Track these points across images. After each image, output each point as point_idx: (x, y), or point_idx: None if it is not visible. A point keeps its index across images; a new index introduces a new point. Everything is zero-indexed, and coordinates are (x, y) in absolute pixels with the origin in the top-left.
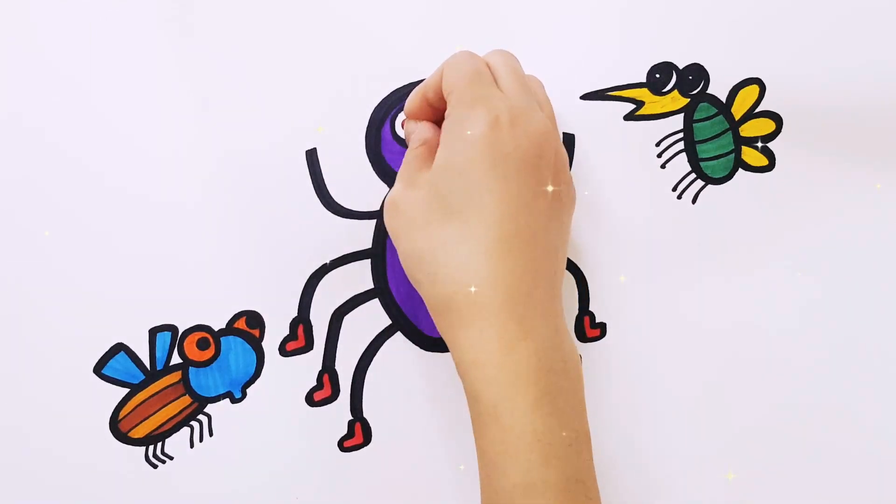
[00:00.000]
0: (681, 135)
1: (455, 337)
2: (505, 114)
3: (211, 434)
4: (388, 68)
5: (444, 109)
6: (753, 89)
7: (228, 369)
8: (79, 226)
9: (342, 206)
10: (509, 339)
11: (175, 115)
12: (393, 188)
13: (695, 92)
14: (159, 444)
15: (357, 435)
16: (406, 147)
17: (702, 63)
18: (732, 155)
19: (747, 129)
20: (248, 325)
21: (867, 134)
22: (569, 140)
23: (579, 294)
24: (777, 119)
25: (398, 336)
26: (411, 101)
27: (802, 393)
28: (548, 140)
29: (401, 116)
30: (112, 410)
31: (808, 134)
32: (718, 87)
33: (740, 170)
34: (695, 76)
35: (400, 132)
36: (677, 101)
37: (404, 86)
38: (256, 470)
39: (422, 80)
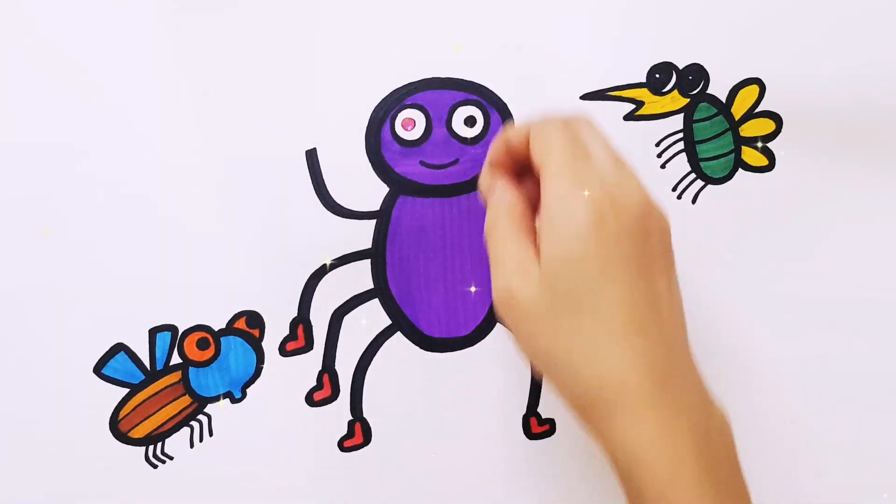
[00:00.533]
0: (681, 135)
1: (607, 430)
2: (606, 201)
3: (211, 434)
4: (388, 68)
5: (523, 162)
6: (753, 89)
7: (228, 369)
8: (79, 226)
9: (342, 207)
10: (665, 421)
11: (175, 115)
12: (498, 277)
13: (695, 92)
14: (159, 444)
15: (357, 435)
16: (406, 147)
17: (702, 63)
18: (732, 155)
19: (747, 129)
20: (248, 325)
21: (867, 134)
22: None
23: None
24: (777, 119)
25: (398, 336)
26: (494, 147)
27: (802, 392)
28: (648, 210)
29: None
30: (112, 410)
31: (808, 134)
32: (718, 87)
33: (740, 170)
34: (695, 76)
35: (400, 132)
36: (677, 101)
37: (404, 85)
38: (256, 470)
39: (421, 80)
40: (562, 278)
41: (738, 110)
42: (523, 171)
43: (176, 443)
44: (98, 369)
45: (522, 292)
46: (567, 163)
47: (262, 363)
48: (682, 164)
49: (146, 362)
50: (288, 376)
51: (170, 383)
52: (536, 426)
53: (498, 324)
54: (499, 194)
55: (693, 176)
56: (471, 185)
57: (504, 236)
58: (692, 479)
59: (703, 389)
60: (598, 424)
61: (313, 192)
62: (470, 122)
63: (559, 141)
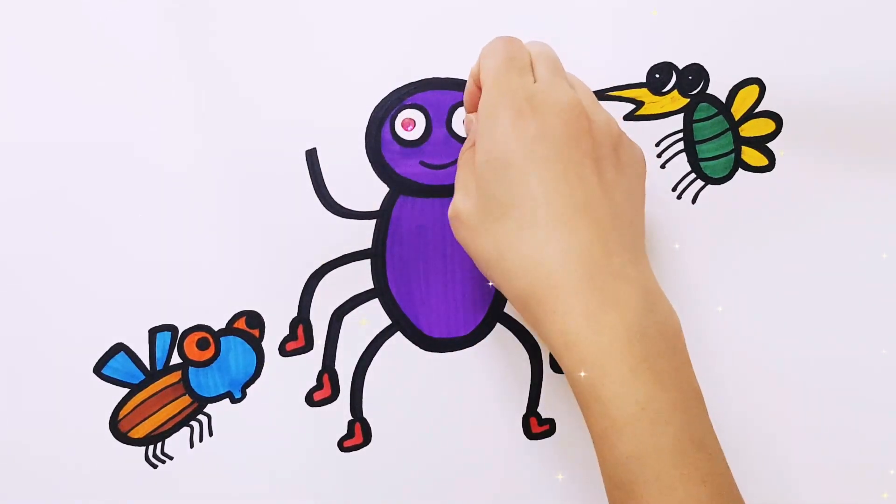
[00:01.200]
0: (681, 135)
1: (543, 326)
2: (526, 100)
3: (211, 434)
4: (388, 68)
5: None
6: (753, 89)
7: (228, 369)
8: (79, 226)
9: (342, 206)
10: (593, 313)
11: (175, 115)
12: (453, 198)
13: (695, 92)
14: (159, 444)
15: (357, 435)
16: (406, 147)
17: (702, 63)
18: (732, 155)
19: (747, 129)
20: (248, 325)
21: (867, 133)
22: None
23: None
24: (777, 119)
25: (398, 336)
26: (465, 94)
27: (803, 392)
28: (577, 111)
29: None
30: (112, 410)
31: (808, 134)
32: (718, 87)
33: (740, 170)
34: (695, 76)
35: (400, 132)
36: (677, 101)
37: (404, 85)
38: (256, 470)
39: (421, 80)
40: (490, 184)
41: (738, 110)
42: None
43: (176, 443)
44: (98, 369)
45: (465, 207)
46: (499, 75)
47: (262, 363)
48: (682, 164)
49: (146, 362)
50: (288, 376)
51: (170, 383)
52: (536, 426)
53: (498, 324)
54: (469, 129)
55: (693, 176)
56: None
57: (462, 163)
58: (623, 370)
59: (648, 287)
60: (536, 324)
61: (313, 192)
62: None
63: (496, 53)
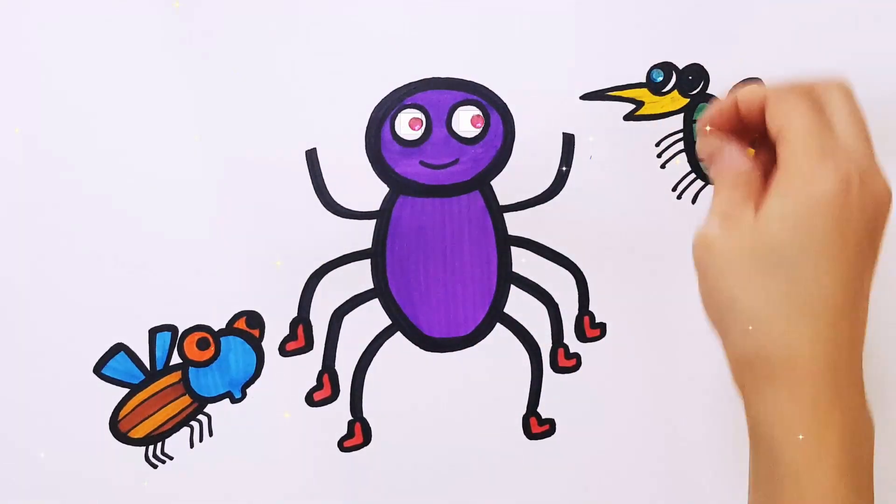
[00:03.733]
0: (681, 135)
1: (759, 393)
2: (855, 175)
3: (211, 434)
4: (388, 68)
5: (750, 130)
6: None
7: (228, 369)
8: (79, 226)
9: (342, 206)
10: (824, 409)
11: (175, 115)
12: (707, 222)
13: (695, 92)
14: (159, 444)
15: (357, 435)
16: (406, 147)
17: (702, 63)
18: None
19: None
20: (248, 325)
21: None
22: (568, 140)
23: (579, 294)
24: None
25: (398, 336)
26: (718, 109)
27: None
28: (886, 210)
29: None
30: (112, 410)
31: None
32: (718, 87)
33: None
34: (695, 76)
35: (400, 132)
36: (677, 101)
37: (404, 85)
38: (256, 470)
39: (421, 80)
40: (777, 234)
41: None
42: (744, 136)
43: (176, 443)
44: (98, 369)
45: (727, 240)
46: (812, 131)
47: (262, 363)
48: (682, 164)
49: (146, 362)
50: (288, 376)
51: (170, 383)
52: (536, 426)
53: (498, 324)
54: (731, 158)
55: (693, 176)
56: (471, 185)
57: (728, 192)
58: (833, 469)
59: (862, 393)
60: (752, 386)
61: (313, 192)
62: (471, 122)
63: (804, 105)
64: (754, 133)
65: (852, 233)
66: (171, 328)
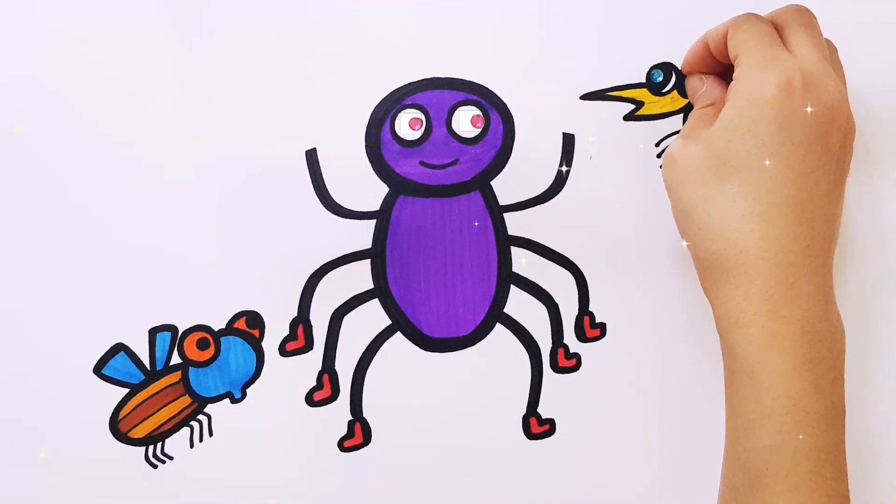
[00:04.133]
0: None
1: (719, 294)
2: (798, 77)
3: (211, 434)
4: (388, 68)
5: (724, 65)
6: None
7: (228, 369)
8: (79, 226)
9: (342, 206)
10: (776, 303)
11: (175, 115)
12: (673, 142)
13: None
14: (159, 444)
15: (357, 435)
16: (406, 147)
17: None
18: None
19: None
20: (248, 325)
21: (867, 134)
22: (568, 140)
23: (579, 294)
24: None
25: (398, 336)
26: (692, 54)
27: None
28: (840, 109)
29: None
30: (112, 410)
31: None
32: None
33: None
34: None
35: (400, 132)
36: (677, 101)
37: (404, 85)
38: (256, 470)
39: (421, 80)
40: (725, 141)
41: None
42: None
43: (176, 443)
44: (98, 369)
45: (686, 153)
46: (762, 45)
47: (262, 363)
48: None
49: (146, 362)
50: (288, 376)
51: (170, 383)
52: (536, 426)
53: (498, 324)
54: (707, 89)
55: None
56: (471, 185)
57: (695, 117)
58: (787, 364)
59: (829, 295)
60: (713, 288)
61: (313, 192)
62: (471, 122)
63: (755, 27)
64: (727, 65)
65: (800, 133)
66: (171, 328)
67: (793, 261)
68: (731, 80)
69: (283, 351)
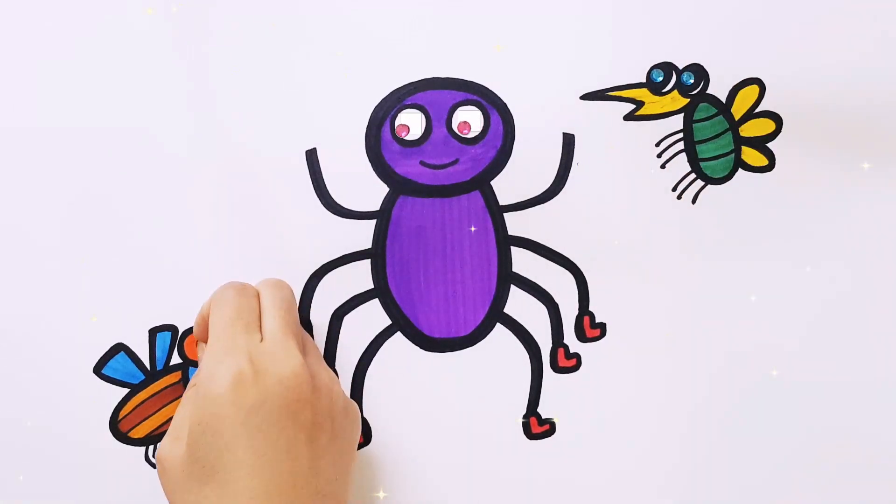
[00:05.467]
0: (681, 135)
1: None
2: (248, 366)
3: None
4: (388, 68)
5: None
6: (753, 89)
7: None
8: (79, 226)
9: (342, 207)
10: None
11: (174, 115)
12: (162, 440)
13: (695, 92)
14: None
15: None
16: (406, 147)
17: (702, 63)
18: (732, 155)
19: (747, 129)
20: None
21: (867, 134)
22: (569, 140)
23: (579, 294)
24: (777, 119)
25: (398, 336)
26: (196, 324)
27: (803, 393)
28: (300, 381)
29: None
30: (112, 410)
31: (808, 134)
32: (718, 87)
33: (740, 170)
34: (695, 76)
35: (400, 133)
36: (677, 101)
37: (404, 85)
38: None
39: (421, 80)
40: (199, 443)
41: (738, 110)
42: None
43: None
44: (98, 369)
45: (171, 456)
46: (224, 331)
47: None
48: (682, 164)
49: (146, 362)
50: None
51: (170, 383)
52: (536, 426)
53: (498, 324)
54: (200, 359)
55: (693, 176)
56: (471, 185)
57: (183, 402)
58: None
59: None
60: None
61: (313, 192)
62: (470, 122)
63: (226, 304)
64: None
65: (265, 421)
66: (171, 328)
67: None
68: None
69: None
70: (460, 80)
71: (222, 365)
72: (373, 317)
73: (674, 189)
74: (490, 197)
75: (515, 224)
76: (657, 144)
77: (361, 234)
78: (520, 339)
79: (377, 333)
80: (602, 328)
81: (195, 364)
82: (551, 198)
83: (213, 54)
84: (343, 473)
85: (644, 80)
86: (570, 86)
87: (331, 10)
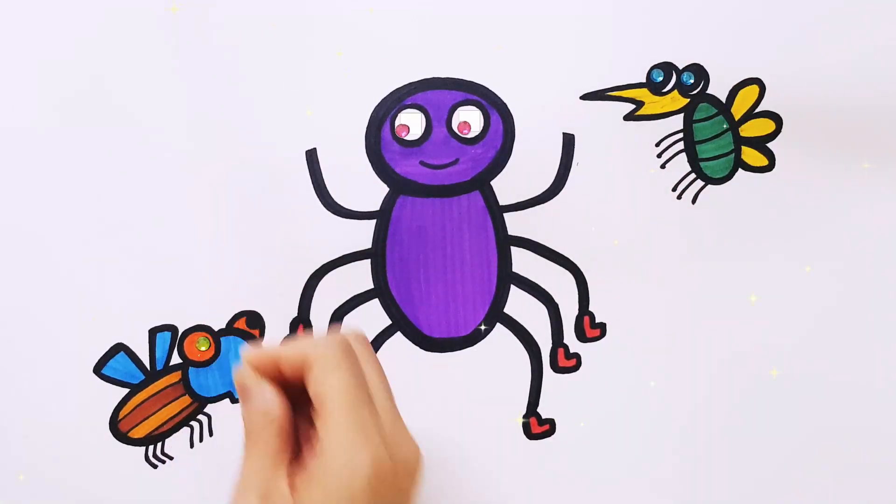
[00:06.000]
0: (681, 135)
1: None
2: (385, 459)
3: (211, 434)
4: (388, 68)
5: (291, 380)
6: (753, 89)
7: (228, 369)
8: (79, 226)
9: (342, 207)
10: None
11: (175, 115)
12: (240, 495)
13: (695, 92)
14: (159, 444)
15: None
16: (406, 147)
17: (702, 63)
18: (732, 155)
19: (747, 129)
20: (248, 325)
21: (867, 134)
22: (569, 140)
23: (579, 294)
24: (777, 119)
25: (398, 336)
26: (261, 353)
27: (803, 392)
28: (418, 465)
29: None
30: (112, 410)
31: (808, 134)
32: (718, 87)
33: (740, 170)
34: (695, 76)
35: (400, 133)
36: (677, 101)
37: (404, 85)
38: None
39: (421, 80)
40: None
41: (738, 110)
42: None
43: (176, 443)
44: (98, 369)
45: None
46: (351, 409)
47: None
48: (682, 164)
49: (146, 362)
50: None
51: (170, 383)
52: (536, 426)
53: (498, 324)
54: (266, 398)
55: (693, 176)
56: (471, 185)
57: (263, 452)
58: None
59: None
60: None
61: (313, 192)
62: (470, 122)
63: (343, 379)
64: (295, 389)
65: (390, 498)
66: (171, 328)
67: None
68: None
69: None
70: (460, 80)
71: (358, 453)
72: (373, 317)
73: (674, 189)
74: (490, 197)
75: (515, 224)
76: (657, 144)
77: (361, 234)
78: (520, 339)
79: (377, 333)
80: (602, 328)
81: (195, 364)
82: (551, 198)
83: (213, 54)
84: None
85: (644, 80)
86: (570, 86)
87: (331, 10)
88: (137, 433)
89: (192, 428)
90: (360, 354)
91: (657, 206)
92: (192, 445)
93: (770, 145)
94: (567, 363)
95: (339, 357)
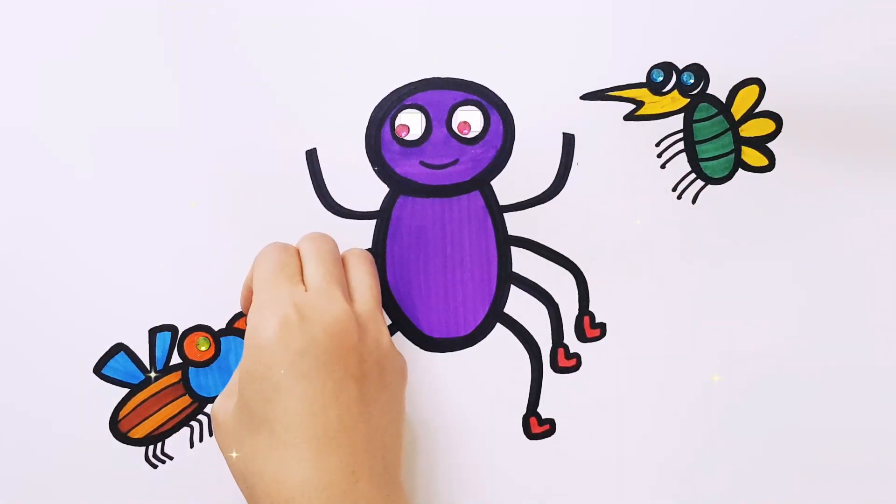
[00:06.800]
0: (681, 135)
1: None
2: (293, 312)
3: (211, 434)
4: (388, 68)
5: None
6: (753, 89)
7: (228, 369)
8: (78, 225)
9: (342, 207)
10: None
11: (175, 115)
12: (217, 398)
13: (695, 92)
14: (159, 444)
15: None
16: (406, 147)
17: (702, 63)
18: (732, 155)
19: (747, 129)
20: None
21: (867, 133)
22: (569, 140)
23: (579, 294)
24: (777, 119)
25: (398, 336)
26: (241, 300)
27: (802, 393)
28: (345, 326)
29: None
30: (112, 410)
31: (808, 134)
32: (718, 87)
33: (740, 170)
34: (695, 76)
35: (400, 133)
36: (677, 101)
37: (404, 85)
38: None
39: (421, 80)
40: (248, 393)
41: (738, 110)
42: None
43: (176, 443)
44: (98, 369)
45: (222, 410)
46: (267, 282)
47: None
48: (682, 164)
49: (146, 362)
50: None
51: (170, 383)
52: (536, 426)
53: (498, 324)
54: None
55: (693, 176)
56: (471, 185)
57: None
58: None
59: None
60: None
61: (313, 192)
62: (470, 122)
63: (270, 262)
64: None
65: (311, 366)
66: (171, 328)
67: (340, 495)
68: None
69: None
70: (460, 80)
71: (266, 312)
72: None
73: (674, 189)
74: (490, 197)
75: (515, 224)
76: (657, 144)
77: (361, 234)
78: (520, 339)
79: None
80: (602, 328)
81: (195, 364)
82: (551, 198)
83: (213, 54)
84: (394, 424)
85: (644, 80)
86: (570, 86)
87: (331, 10)
88: (137, 433)
89: (192, 428)
90: (304, 244)
91: (657, 206)
92: (192, 445)
93: (770, 145)
94: (567, 363)
95: (264, 254)
